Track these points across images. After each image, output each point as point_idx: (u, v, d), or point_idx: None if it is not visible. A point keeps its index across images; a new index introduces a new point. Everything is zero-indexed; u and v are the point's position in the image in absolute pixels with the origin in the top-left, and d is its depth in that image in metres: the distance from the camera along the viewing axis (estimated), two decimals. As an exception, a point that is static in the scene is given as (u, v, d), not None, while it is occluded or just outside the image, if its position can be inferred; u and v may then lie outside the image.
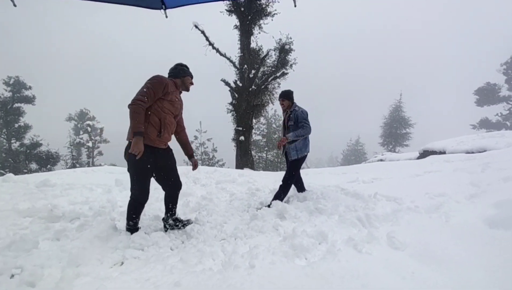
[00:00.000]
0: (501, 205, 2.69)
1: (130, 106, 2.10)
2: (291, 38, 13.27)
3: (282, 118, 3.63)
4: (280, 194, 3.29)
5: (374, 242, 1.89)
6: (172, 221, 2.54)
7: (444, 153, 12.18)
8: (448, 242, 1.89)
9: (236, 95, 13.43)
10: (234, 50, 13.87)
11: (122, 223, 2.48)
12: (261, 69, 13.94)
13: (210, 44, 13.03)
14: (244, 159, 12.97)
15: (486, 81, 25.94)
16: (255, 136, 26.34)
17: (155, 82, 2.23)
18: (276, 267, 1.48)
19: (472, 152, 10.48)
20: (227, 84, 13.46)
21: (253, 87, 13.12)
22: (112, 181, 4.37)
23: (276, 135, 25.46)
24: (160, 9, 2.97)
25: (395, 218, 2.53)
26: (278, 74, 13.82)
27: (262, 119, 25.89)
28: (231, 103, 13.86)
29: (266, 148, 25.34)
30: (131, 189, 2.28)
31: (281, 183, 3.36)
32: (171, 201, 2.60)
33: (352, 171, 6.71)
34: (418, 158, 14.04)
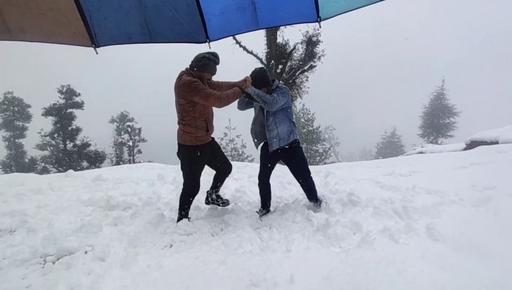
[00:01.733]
0: None
1: (220, 103, 2.26)
2: (318, 29, 12.89)
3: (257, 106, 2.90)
4: (314, 193, 2.88)
5: (412, 233, 1.86)
6: (215, 196, 2.80)
7: (496, 143, 10.93)
8: (496, 236, 1.79)
9: (264, 91, 13.54)
10: (260, 47, 13.91)
11: (168, 212, 2.77)
12: (288, 64, 13.83)
13: (237, 42, 13.27)
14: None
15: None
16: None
17: (200, 86, 2.22)
18: (311, 252, 1.56)
19: (486, 142, 9.27)
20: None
21: (281, 82, 13.14)
22: (154, 176, 4.80)
23: (305, 129, 25.03)
24: (204, 42, 2.96)
25: (436, 211, 2.42)
26: (306, 68, 13.60)
27: (290, 114, 25.71)
28: (259, 100, 14.02)
29: (294, 143, 25.14)
30: (184, 184, 2.50)
31: (302, 180, 2.85)
32: (219, 180, 2.81)
33: (388, 164, 6.41)
34: (465, 149, 12.77)
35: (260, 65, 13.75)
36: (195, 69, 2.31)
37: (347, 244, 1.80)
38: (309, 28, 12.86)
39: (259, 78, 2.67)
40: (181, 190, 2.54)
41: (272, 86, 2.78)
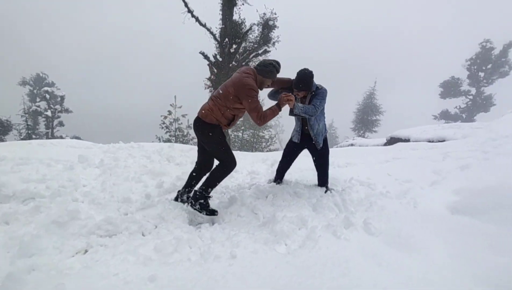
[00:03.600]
0: (460, 193, 2.92)
1: (260, 122, 2.47)
2: (275, 14, 12.66)
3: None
4: (325, 183, 3.09)
5: (351, 228, 1.93)
6: (185, 197, 2.62)
7: (408, 140, 13.08)
8: (417, 228, 2.00)
9: (215, 70, 12.80)
10: (214, 21, 12.96)
11: (86, 205, 2.25)
12: (243, 44, 13.34)
13: (189, 11, 12.02)
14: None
15: (452, 75, 27.80)
16: (233, 115, 25.94)
17: (256, 97, 2.38)
18: (258, 257, 1.43)
19: (433, 141, 11.40)
20: (206, 57, 12.73)
21: (233, 63, 12.57)
22: (74, 157, 3.97)
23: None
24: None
25: (368, 203, 2.62)
26: (260, 52, 13.35)
27: (240, 98, 25.44)
28: (209, 79, 13.24)
29: (242, 128, 25.11)
30: (223, 160, 2.52)
31: (321, 174, 3.08)
32: (197, 179, 2.75)
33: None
34: (385, 144, 14.95)
35: (214, 42, 12.87)
36: (261, 74, 2.49)
37: (292, 241, 1.75)
38: (267, 10, 12.50)
39: (306, 82, 2.66)
40: (215, 167, 2.57)
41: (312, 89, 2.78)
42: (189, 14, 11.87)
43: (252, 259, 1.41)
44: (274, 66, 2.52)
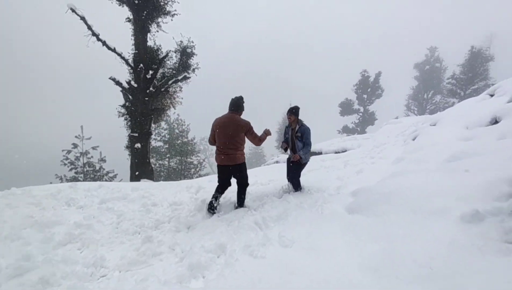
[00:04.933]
0: (355, 194, 3.52)
1: (261, 143, 3.51)
2: (193, 42, 12.94)
3: (289, 130, 4.26)
4: (297, 187, 4.16)
5: (268, 244, 2.02)
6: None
7: (321, 153, 15.15)
8: (323, 231, 2.26)
9: (131, 97, 11.83)
10: (126, 47, 12.19)
11: None
12: (161, 70, 12.94)
13: (94, 34, 10.93)
14: (142, 169, 11.53)
15: (346, 97, 34.42)
16: (155, 143, 24.04)
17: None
18: (166, 300, 1.30)
19: (338, 152, 13.59)
20: (118, 83, 11.65)
21: (151, 89, 11.94)
22: None
23: (179, 141, 24.16)
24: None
25: (285, 216, 2.83)
26: (179, 78, 13.19)
27: (163, 124, 23.98)
28: (124, 106, 12.08)
29: (168, 155, 23.52)
30: (246, 182, 3.50)
31: (292, 182, 4.22)
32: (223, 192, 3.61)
33: (252, 175, 7.17)
34: (283, 147, 16.83)
35: (127, 67, 11.98)
36: (240, 111, 3.42)
37: (210, 272, 1.68)
38: (183, 38, 12.66)
39: (296, 112, 4.09)
40: (244, 187, 3.47)
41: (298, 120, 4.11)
42: (94, 38, 10.81)
43: (158, 305, 1.27)
44: (242, 101, 3.44)
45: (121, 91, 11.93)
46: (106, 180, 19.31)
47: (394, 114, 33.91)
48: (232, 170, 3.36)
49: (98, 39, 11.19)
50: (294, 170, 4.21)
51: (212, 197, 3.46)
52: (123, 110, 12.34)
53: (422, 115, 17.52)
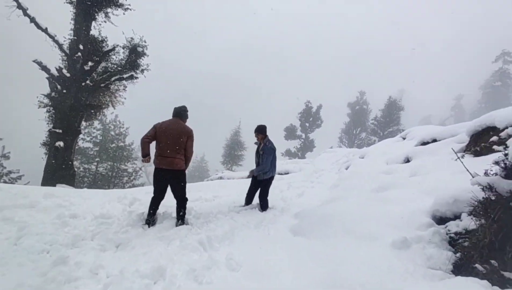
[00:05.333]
0: (298, 216, 3.67)
1: (191, 156, 3.48)
2: (145, 42, 12.11)
3: (256, 147, 4.41)
4: (264, 207, 4.19)
5: (214, 267, 1.87)
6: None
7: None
8: (270, 254, 2.24)
9: (59, 86, 10.12)
10: (63, 31, 10.62)
11: None
12: (103, 64, 11.59)
13: (20, 7, 9.19)
14: (60, 173, 9.67)
15: (290, 122, 37.14)
16: (83, 143, 20.78)
17: None
18: None
19: (281, 173, 14.28)
20: (44, 68, 9.89)
21: (88, 82, 10.49)
22: None
23: (113, 144, 21.51)
24: None
25: (232, 235, 2.71)
26: (125, 76, 12.02)
27: (96, 123, 21.07)
28: (48, 96, 10.22)
29: (97, 159, 20.49)
30: (185, 196, 3.42)
31: (260, 199, 4.27)
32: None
33: (195, 189, 6.81)
34: (248, 176, 17.05)
35: (60, 53, 10.32)
36: (184, 118, 3.48)
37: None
38: (135, 36, 11.74)
39: (262, 130, 4.33)
40: (183, 201, 3.35)
41: (265, 137, 4.32)
42: (21, 11, 9.10)
43: None
44: (185, 110, 3.50)
45: (47, 78, 10.12)
46: (5, 182, 15.42)
47: (329, 143, 38.02)
48: (170, 177, 3.22)
49: (26, 14, 9.47)
50: (262, 188, 4.28)
51: (150, 210, 3.23)
52: (46, 100, 10.39)
53: (351, 148, 20.06)
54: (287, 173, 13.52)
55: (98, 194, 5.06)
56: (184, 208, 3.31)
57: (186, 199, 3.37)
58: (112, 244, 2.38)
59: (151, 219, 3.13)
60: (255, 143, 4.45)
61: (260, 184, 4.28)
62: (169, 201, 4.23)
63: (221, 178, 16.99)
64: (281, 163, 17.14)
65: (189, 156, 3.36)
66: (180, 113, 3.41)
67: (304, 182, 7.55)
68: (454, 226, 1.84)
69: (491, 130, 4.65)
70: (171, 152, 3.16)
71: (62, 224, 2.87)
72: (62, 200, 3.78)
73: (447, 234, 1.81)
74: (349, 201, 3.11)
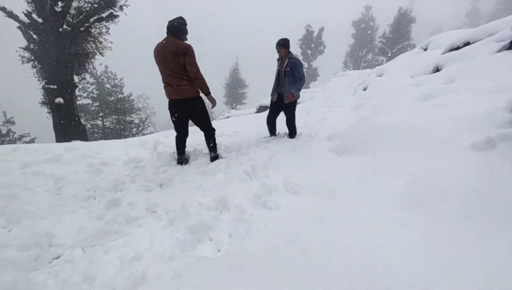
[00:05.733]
0: (332, 138, 3.47)
1: (198, 76, 2.66)
2: (118, -35, 10.09)
3: (278, 64, 3.81)
4: (293, 133, 3.95)
5: (275, 192, 1.74)
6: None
7: (272, 107, 15.20)
8: (326, 173, 2.09)
9: (35, 36, 8.98)
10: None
11: None
12: (75, 4, 9.96)
13: None
14: (70, 130, 9.52)
15: (291, 51, 34.33)
16: (81, 100, 20.07)
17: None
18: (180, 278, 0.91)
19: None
20: (11, 15, 8.58)
21: (65, 27, 9.23)
22: None
23: (113, 97, 20.74)
24: None
25: (273, 163, 2.58)
26: (104, 15, 10.47)
27: (88, 77, 19.82)
28: (27, 48, 9.20)
29: (101, 114, 20.11)
30: (210, 127, 3.02)
31: (288, 125, 3.97)
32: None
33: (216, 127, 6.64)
34: (257, 112, 16.71)
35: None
36: (180, 34, 2.71)
37: (218, 233, 1.32)
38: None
39: (285, 44, 3.67)
40: (211, 131, 3.01)
41: (289, 52, 3.73)
42: None
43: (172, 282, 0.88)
44: (181, 22, 2.71)
45: (19, 27, 8.89)
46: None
47: (334, 70, 35.94)
48: (185, 108, 2.78)
49: None
50: (288, 113, 3.87)
51: (177, 150, 2.99)
52: (27, 54, 9.41)
53: (362, 70, 18.85)
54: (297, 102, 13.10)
55: (117, 143, 4.92)
56: (213, 139, 3.00)
57: (214, 129, 3.04)
58: (155, 184, 2.28)
59: (182, 158, 2.98)
60: (278, 59, 3.86)
61: (286, 108, 3.86)
62: (195, 140, 4.06)
63: (228, 117, 16.75)
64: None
65: (194, 76, 2.64)
66: (174, 28, 2.67)
67: (321, 108, 7.21)
68: (547, 119, 1.58)
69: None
70: (175, 80, 2.67)
71: (96, 172, 2.77)
72: (85, 151, 3.64)
73: (540, 127, 1.55)
74: (395, 113, 2.81)
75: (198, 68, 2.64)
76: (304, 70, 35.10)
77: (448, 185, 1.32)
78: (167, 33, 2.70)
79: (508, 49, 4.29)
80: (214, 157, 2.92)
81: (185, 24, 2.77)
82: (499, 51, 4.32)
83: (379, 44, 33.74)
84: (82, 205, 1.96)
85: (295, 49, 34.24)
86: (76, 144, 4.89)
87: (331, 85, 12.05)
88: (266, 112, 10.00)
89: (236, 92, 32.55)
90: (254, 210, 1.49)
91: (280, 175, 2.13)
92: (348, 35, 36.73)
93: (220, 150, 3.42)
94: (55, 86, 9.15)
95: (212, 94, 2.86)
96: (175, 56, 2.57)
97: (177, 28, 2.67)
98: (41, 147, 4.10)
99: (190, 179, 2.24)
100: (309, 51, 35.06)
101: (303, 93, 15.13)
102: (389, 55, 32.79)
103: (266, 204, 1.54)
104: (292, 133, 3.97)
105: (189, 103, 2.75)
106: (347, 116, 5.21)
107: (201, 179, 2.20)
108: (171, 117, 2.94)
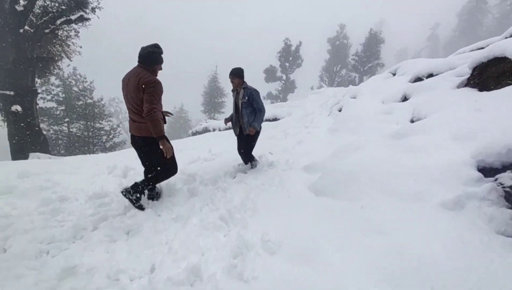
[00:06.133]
0: (310, 170, 3.49)
1: (150, 116, 2.33)
2: (90, -32, 9.64)
3: (233, 96, 3.68)
4: (249, 162, 3.74)
5: (252, 252, 1.65)
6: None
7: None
8: (302, 224, 2.05)
9: (-9, 36, 8.14)
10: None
11: None
12: (40, 3, 9.26)
13: None
14: (29, 141, 8.64)
15: (270, 64, 35.03)
16: (44, 103, 18.47)
17: (160, 88, 2.43)
18: None
19: (270, 119, 13.95)
20: (-39, 12, 7.72)
21: (27, 28, 8.49)
22: None
23: (81, 102, 19.39)
24: None
25: (251, 203, 2.49)
26: (73, 17, 9.86)
27: (53, 79, 18.35)
28: (-20, 49, 8.30)
29: (67, 119, 18.63)
30: (165, 168, 2.62)
31: (244, 154, 3.72)
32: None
33: (188, 147, 6.41)
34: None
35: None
36: (149, 64, 2.48)
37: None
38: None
39: (239, 73, 3.48)
40: (157, 173, 2.61)
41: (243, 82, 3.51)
42: None
43: None
44: (154, 50, 2.49)
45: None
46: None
47: (310, 83, 37.27)
48: (141, 145, 2.55)
49: None
50: (246, 142, 3.63)
51: (147, 187, 2.59)
52: (-20, 55, 8.45)
53: (336, 87, 19.76)
54: (276, 119, 13.26)
55: (83, 164, 4.51)
56: (157, 181, 2.63)
57: (162, 174, 2.62)
58: (121, 231, 2.07)
59: (153, 193, 2.75)
60: (232, 90, 3.64)
61: (247, 137, 3.58)
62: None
63: (206, 128, 16.45)
64: (267, 107, 16.59)
65: (146, 114, 2.31)
66: (143, 56, 2.43)
67: (298, 128, 7.35)
68: (507, 179, 1.70)
69: (500, 61, 4.35)
70: (136, 115, 2.45)
71: (53, 212, 2.47)
72: (43, 180, 3.26)
73: (503, 188, 1.66)
74: (368, 151, 2.90)
75: (153, 107, 2.32)
76: (282, 82, 35.96)
77: (422, 262, 1.34)
78: (137, 61, 2.49)
79: (465, 85, 4.71)
80: (149, 195, 2.68)
81: (159, 53, 2.53)
82: (459, 86, 4.72)
83: (352, 62, 35.82)
84: (32, 265, 1.70)
85: (274, 62, 35.01)
86: (33, 164, 4.40)
87: (308, 102, 12.43)
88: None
89: (214, 101, 32.29)
90: (228, 285, 1.38)
91: (257, 224, 2.05)
92: (324, 50, 38.53)
93: (196, 181, 3.27)
94: (11, 92, 8.30)
95: (165, 141, 2.47)
96: (136, 91, 2.36)
97: (146, 56, 2.44)
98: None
99: (161, 228, 2.06)
100: (287, 64, 36.07)
101: (280, 107, 15.35)
102: (362, 70, 34.86)
103: (242, 276, 1.43)
104: (246, 161, 3.78)
105: (146, 142, 2.51)
106: (323, 140, 5.35)
107: (173, 229, 2.04)
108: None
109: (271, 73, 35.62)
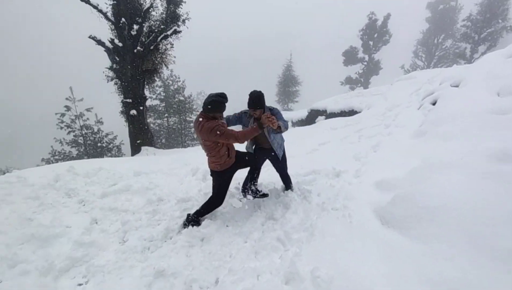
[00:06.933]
0: (381, 187, 3.18)
1: (239, 141, 2.65)
2: (180, -13, 11.05)
3: (249, 123, 3.03)
4: (289, 184, 3.47)
5: (299, 284, 1.75)
6: (254, 188, 3.21)
7: (325, 111, 14.48)
8: (360, 259, 1.97)
9: (117, 58, 10.62)
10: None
11: None
12: (147, 24, 11.36)
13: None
14: (141, 137, 11.10)
15: (350, 44, 31.76)
16: (151, 101, 23.02)
17: (220, 128, 2.58)
18: None
19: (345, 111, 12.93)
20: (100, 43, 10.32)
21: (139, 48, 10.64)
22: None
23: (176, 99, 23.10)
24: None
25: (309, 226, 2.53)
26: (169, 32, 11.66)
27: (157, 81, 22.57)
28: (111, 68, 10.97)
29: (166, 115, 22.77)
30: (214, 197, 2.95)
31: (282, 178, 3.44)
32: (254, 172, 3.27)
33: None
34: (307, 116, 16.22)
35: (107, 23, 10.45)
36: (210, 110, 2.61)
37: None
38: (168, -17, 10.73)
39: (260, 101, 2.87)
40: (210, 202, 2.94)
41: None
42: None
43: None
44: (216, 98, 2.61)
45: (105, 51, 10.67)
46: (106, 143, 19.07)
47: (400, 62, 31.81)
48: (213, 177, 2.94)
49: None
50: (279, 164, 3.28)
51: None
52: (111, 74, 11.25)
53: (435, 69, 16.28)
54: (352, 112, 12.17)
55: (176, 164, 5.52)
56: (208, 210, 2.91)
57: (215, 203, 2.91)
58: (197, 239, 2.54)
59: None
60: (248, 117, 3.09)
61: (276, 161, 3.25)
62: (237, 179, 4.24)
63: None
64: (344, 96, 15.29)
65: (242, 140, 2.63)
66: (205, 106, 2.59)
67: (377, 127, 6.57)
68: None
69: None
70: (206, 152, 2.83)
71: (153, 213, 3.23)
72: (147, 182, 4.25)
73: None
74: (461, 177, 2.39)
75: (235, 135, 2.58)
76: (364, 63, 32.14)
77: None
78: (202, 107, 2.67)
79: None
80: (192, 221, 2.84)
81: (221, 102, 2.61)
82: None
83: (463, 28, 27.83)
84: (139, 258, 2.34)
85: (355, 42, 31.57)
86: (144, 164, 5.71)
87: (394, 91, 10.76)
88: (318, 124, 9.57)
89: (288, 90, 32.17)
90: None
91: (311, 252, 2.10)
92: (421, 20, 31.85)
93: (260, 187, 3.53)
94: (130, 100, 10.75)
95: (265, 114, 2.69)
96: (202, 137, 2.66)
97: (207, 106, 2.58)
98: (115, 168, 4.95)
99: (227, 241, 2.41)
100: (371, 42, 31.86)
101: (360, 96, 13.92)
102: (477, 39, 26.87)
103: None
104: (288, 184, 3.45)
105: (214, 174, 2.91)
106: (405, 146, 4.64)
107: (236, 244, 2.36)
108: None
109: (351, 56, 32.33)
